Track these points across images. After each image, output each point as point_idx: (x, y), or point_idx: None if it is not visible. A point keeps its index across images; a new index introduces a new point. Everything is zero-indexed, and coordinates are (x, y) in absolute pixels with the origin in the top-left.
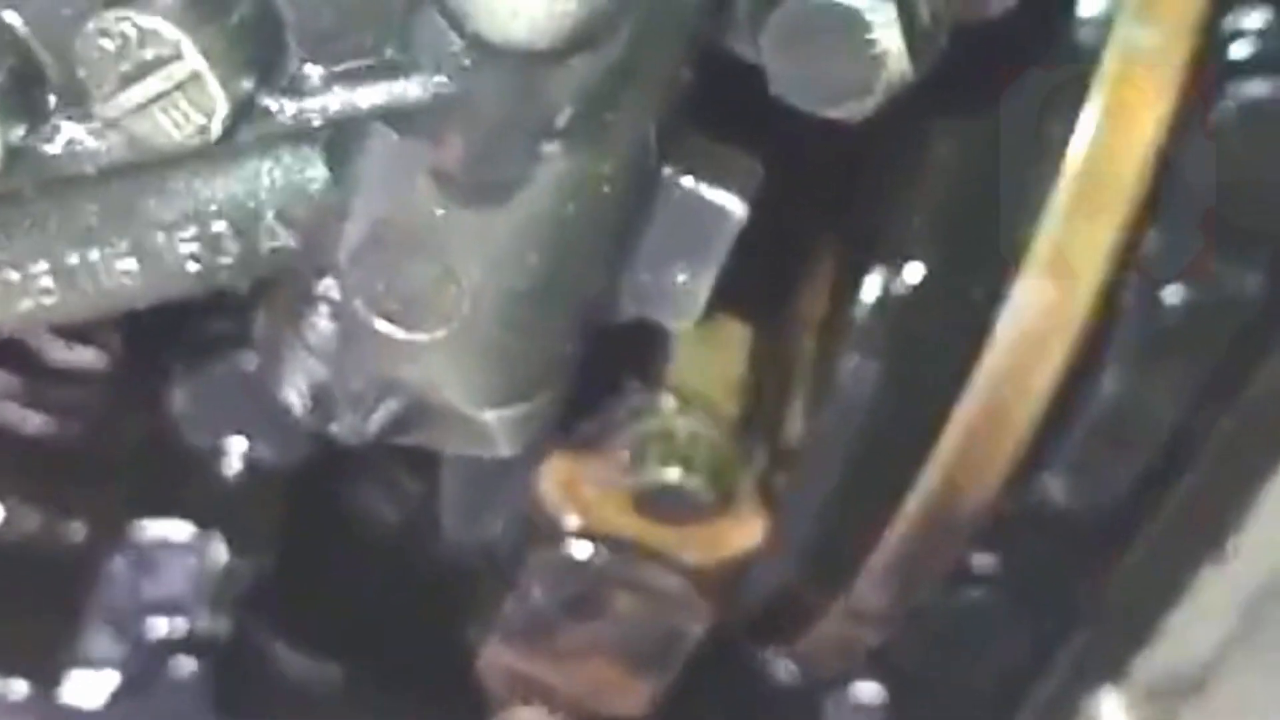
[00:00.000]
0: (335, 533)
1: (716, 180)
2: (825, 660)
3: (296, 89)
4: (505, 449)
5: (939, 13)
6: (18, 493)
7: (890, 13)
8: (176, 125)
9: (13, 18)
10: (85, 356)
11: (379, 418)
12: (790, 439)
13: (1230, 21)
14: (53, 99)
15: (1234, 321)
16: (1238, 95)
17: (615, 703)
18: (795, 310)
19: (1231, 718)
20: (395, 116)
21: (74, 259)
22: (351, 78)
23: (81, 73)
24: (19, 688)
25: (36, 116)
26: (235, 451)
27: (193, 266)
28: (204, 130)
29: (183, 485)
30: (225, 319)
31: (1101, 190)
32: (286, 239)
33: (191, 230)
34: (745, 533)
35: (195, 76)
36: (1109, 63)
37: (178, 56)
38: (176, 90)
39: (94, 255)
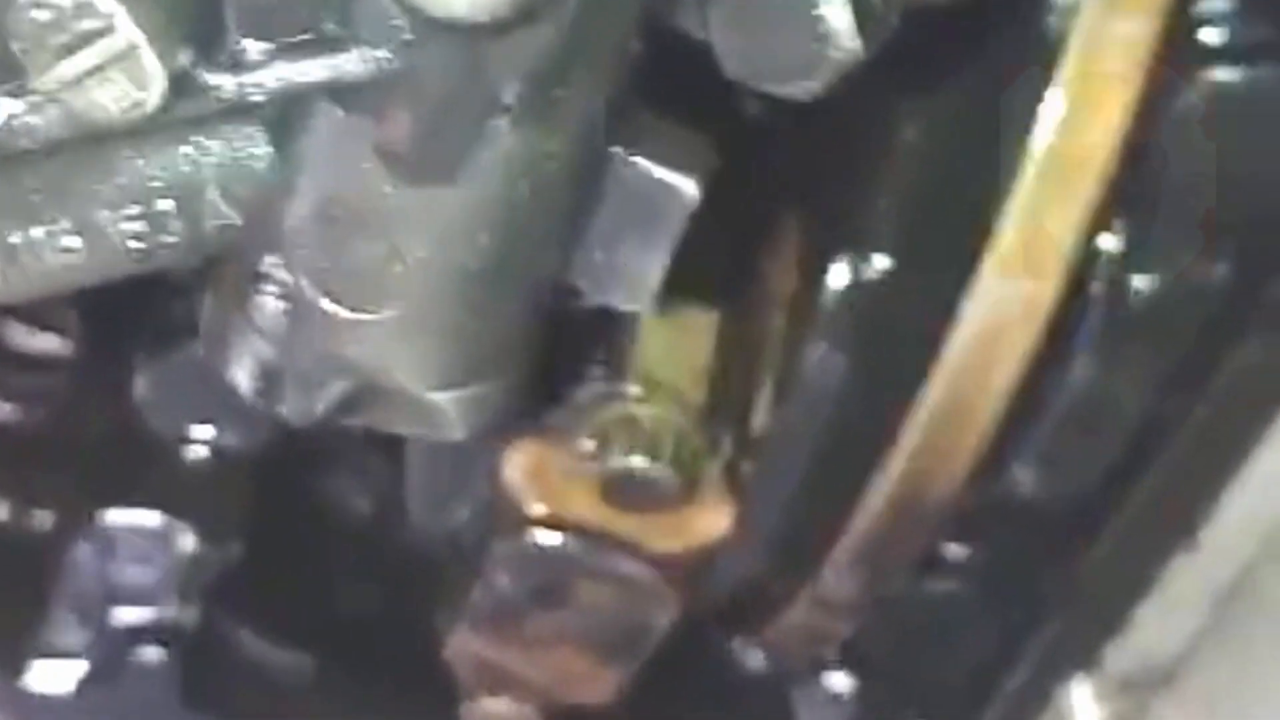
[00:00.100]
0: (303, 521)
1: (668, 160)
2: (794, 649)
3: (236, 64)
4: (458, 432)
5: None
6: None
7: None
8: (113, 99)
9: None
10: (50, 343)
11: (327, 398)
12: (758, 426)
13: (1198, 7)
14: None
15: (1202, 311)
16: (1205, 82)
17: (583, 691)
18: (763, 295)
19: (1202, 708)
20: (339, 92)
21: (16, 238)
22: (292, 52)
23: (16, 46)
24: None
25: None
26: (201, 439)
27: (136, 245)
28: (140, 104)
29: (149, 473)
30: (190, 305)
31: (1068, 178)
32: (231, 217)
33: (135, 208)
34: (712, 521)
35: (131, 49)
36: (1076, 49)
37: (113, 29)
38: (112, 64)
39: (37, 233)
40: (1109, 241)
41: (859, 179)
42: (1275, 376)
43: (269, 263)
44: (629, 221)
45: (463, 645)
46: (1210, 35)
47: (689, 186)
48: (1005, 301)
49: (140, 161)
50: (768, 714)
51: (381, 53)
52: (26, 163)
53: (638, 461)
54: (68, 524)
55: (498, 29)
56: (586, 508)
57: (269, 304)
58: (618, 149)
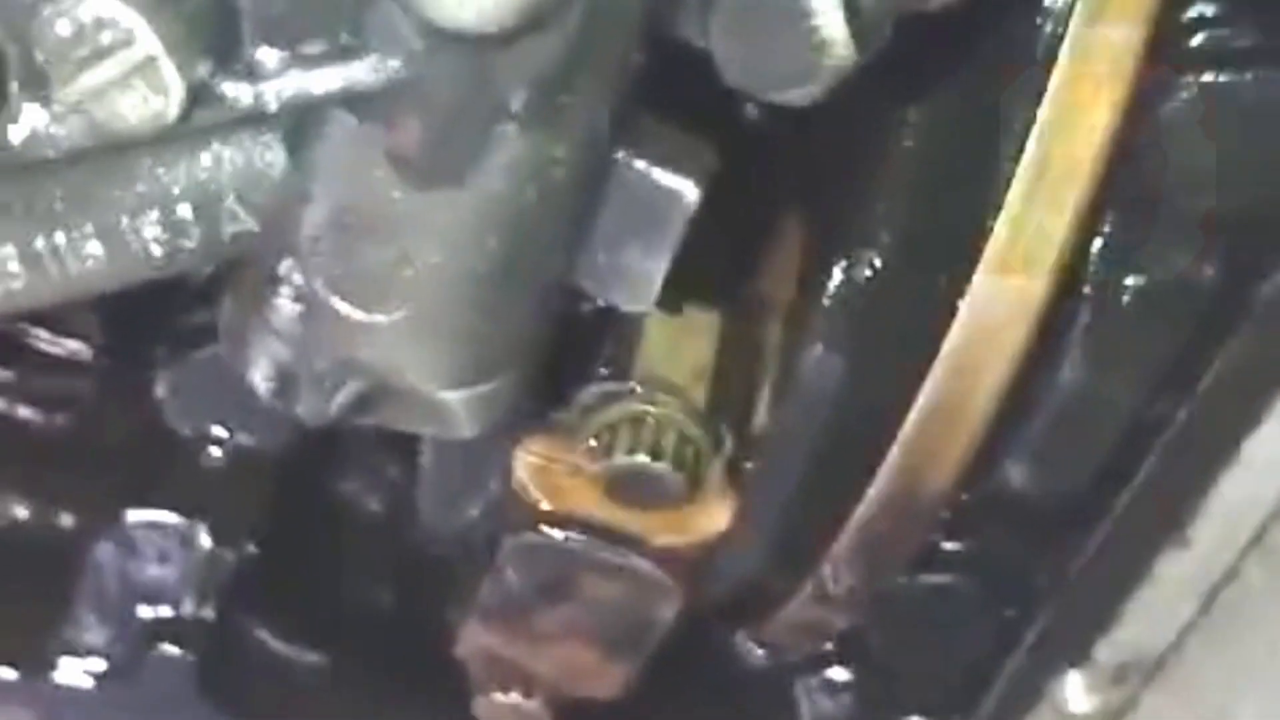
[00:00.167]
0: (318, 520)
1: (669, 163)
2: (794, 643)
3: (252, 74)
4: (467, 430)
5: (883, 1)
6: (6, 482)
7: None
8: (134, 109)
9: None
10: (72, 347)
11: (341, 398)
12: (758, 425)
13: (1186, 11)
14: (14, 85)
15: (1192, 309)
16: (1193, 85)
17: (590, 684)
18: (763, 297)
19: (1191, 699)
20: (352, 101)
21: (40, 244)
22: (306, 62)
23: (40, 57)
24: (7, 673)
25: None
26: (220, 439)
27: (157, 250)
28: (160, 114)
29: (169, 474)
30: (210, 308)
31: (1059, 179)
32: (248, 222)
33: (155, 214)
34: (714, 517)
35: (151, 61)
36: (1066, 53)
37: (134, 41)
38: (133, 74)
39: (60, 240)
40: (1099, 242)
41: (855, 182)
42: (1262, 374)
43: (285, 267)
44: (632, 224)
45: (473, 640)
46: (1198, 39)
47: (690, 189)
48: (998, 300)
49: (160, 169)
50: (769, 706)
51: (393, 62)
52: (50, 171)
53: (641, 459)
54: (90, 524)
55: (505, 39)
56: (592, 504)
57: (285, 307)
58: (620, 153)
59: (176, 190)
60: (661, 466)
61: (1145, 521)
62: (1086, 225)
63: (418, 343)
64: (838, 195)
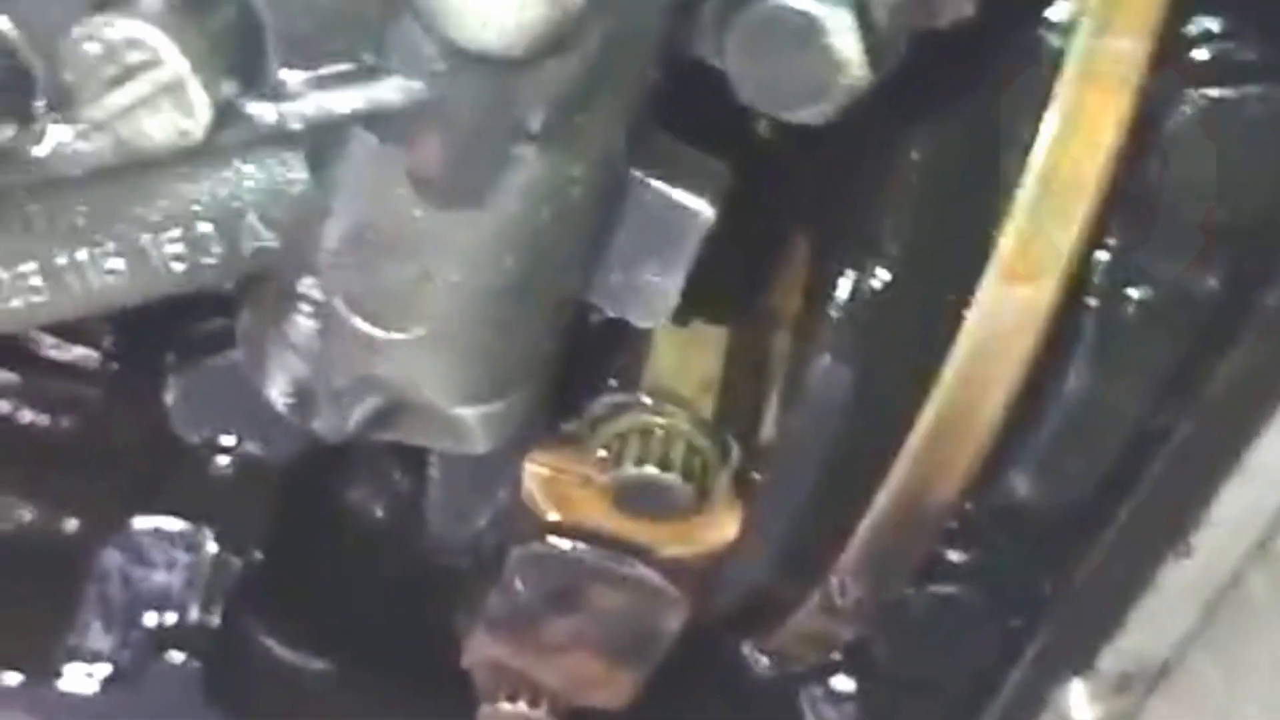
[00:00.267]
0: (324, 527)
1: (685, 182)
2: (800, 653)
3: (276, 93)
4: (482, 445)
5: (896, 20)
6: (12, 486)
7: (847, 19)
8: (161, 129)
9: (2, 22)
10: (80, 353)
11: (358, 414)
12: (766, 436)
13: (1190, 26)
14: (41, 102)
15: (1195, 320)
16: (1197, 99)
17: (597, 694)
18: (770, 309)
19: (1194, 707)
20: (373, 120)
21: (62, 259)
22: (330, 82)
23: (68, 76)
24: (12, 679)
25: (25, 119)
26: (228, 447)
27: (178, 266)
28: (187, 134)
29: (175, 480)
30: (218, 316)
31: (1064, 191)
32: (268, 239)
33: (176, 231)
34: (721, 528)
35: (179, 81)
36: (1072, 66)
37: (162, 61)
38: (160, 94)
39: (82, 255)
40: (1104, 253)
41: (862, 195)
42: (1264, 384)
43: (304, 283)
44: (647, 241)
45: (480, 649)
46: (1202, 53)
47: (706, 208)
48: (1005, 311)
49: (182, 186)
50: (774, 715)
51: (415, 83)
52: (72, 187)
53: (650, 470)
54: (96, 530)
55: (526, 60)
56: (600, 515)
57: (303, 323)
58: (637, 171)
59: (198, 207)
60: (670, 477)
61: (1148, 530)
62: (1092, 236)
63: (435, 359)
64: (845, 206)
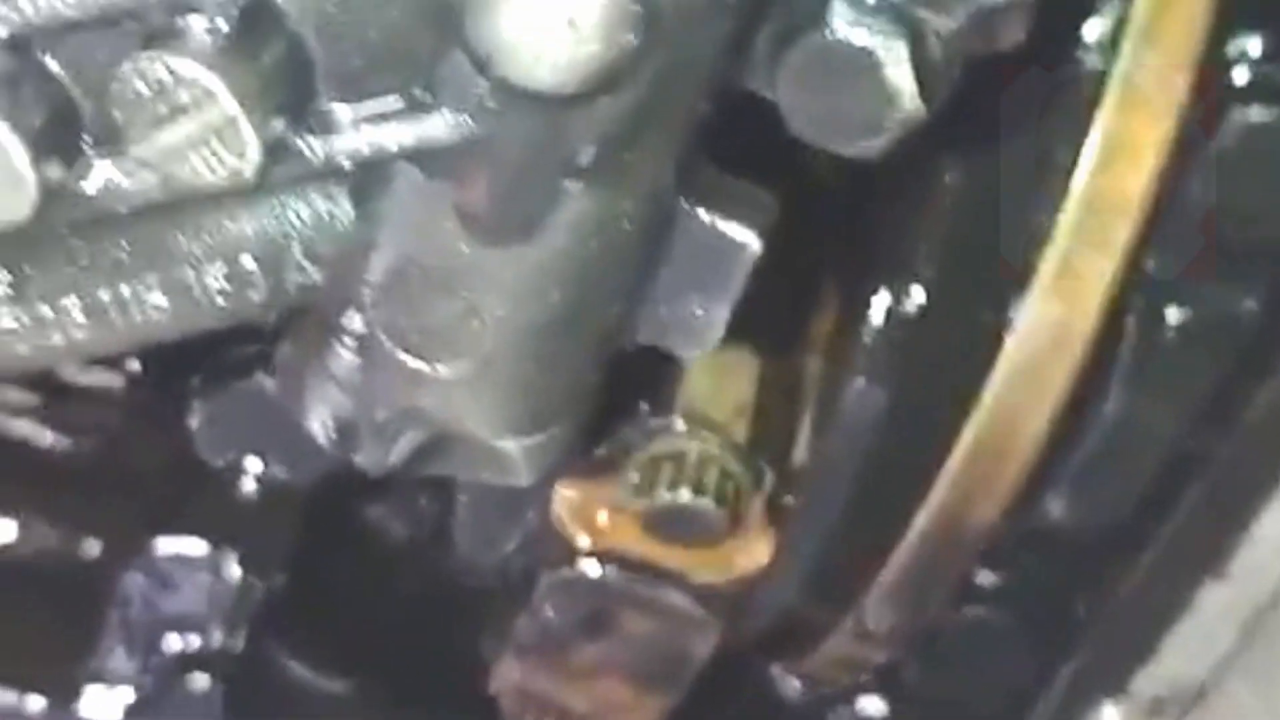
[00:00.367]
0: (348, 550)
1: (732, 214)
2: (831, 676)
3: (325, 129)
4: (525, 477)
5: (949, 50)
6: (36, 509)
7: (903, 52)
8: (210, 167)
9: (50, 60)
10: (103, 375)
11: (401, 448)
12: (799, 460)
13: (1231, 48)
14: (88, 139)
15: (1234, 343)
16: (1237, 121)
17: (625, 719)
18: (802, 334)
19: None
20: (421, 156)
21: (105, 294)
22: (379, 118)
23: (117, 114)
24: (35, 702)
25: (72, 156)
26: (251, 470)
27: (221, 300)
28: (237, 173)
29: (198, 503)
30: (243, 340)
31: (1106, 214)
32: (313, 275)
33: (220, 266)
34: (754, 553)
35: (229, 120)
36: (1112, 88)
37: (213, 100)
38: (210, 133)
39: (125, 290)
40: (1143, 275)
41: (899, 219)
42: None
43: (348, 317)
44: (694, 274)
45: (507, 674)
46: (1242, 75)
47: (753, 240)
48: (1045, 333)
49: (227, 221)
50: None
51: (465, 119)
52: (116, 223)
53: (684, 496)
54: (119, 553)
55: (578, 98)
56: (632, 540)
57: (346, 356)
58: (684, 204)
59: (243, 242)
60: (704, 503)
61: (1186, 553)
62: (1131, 259)
63: (480, 393)
64: (879, 228)
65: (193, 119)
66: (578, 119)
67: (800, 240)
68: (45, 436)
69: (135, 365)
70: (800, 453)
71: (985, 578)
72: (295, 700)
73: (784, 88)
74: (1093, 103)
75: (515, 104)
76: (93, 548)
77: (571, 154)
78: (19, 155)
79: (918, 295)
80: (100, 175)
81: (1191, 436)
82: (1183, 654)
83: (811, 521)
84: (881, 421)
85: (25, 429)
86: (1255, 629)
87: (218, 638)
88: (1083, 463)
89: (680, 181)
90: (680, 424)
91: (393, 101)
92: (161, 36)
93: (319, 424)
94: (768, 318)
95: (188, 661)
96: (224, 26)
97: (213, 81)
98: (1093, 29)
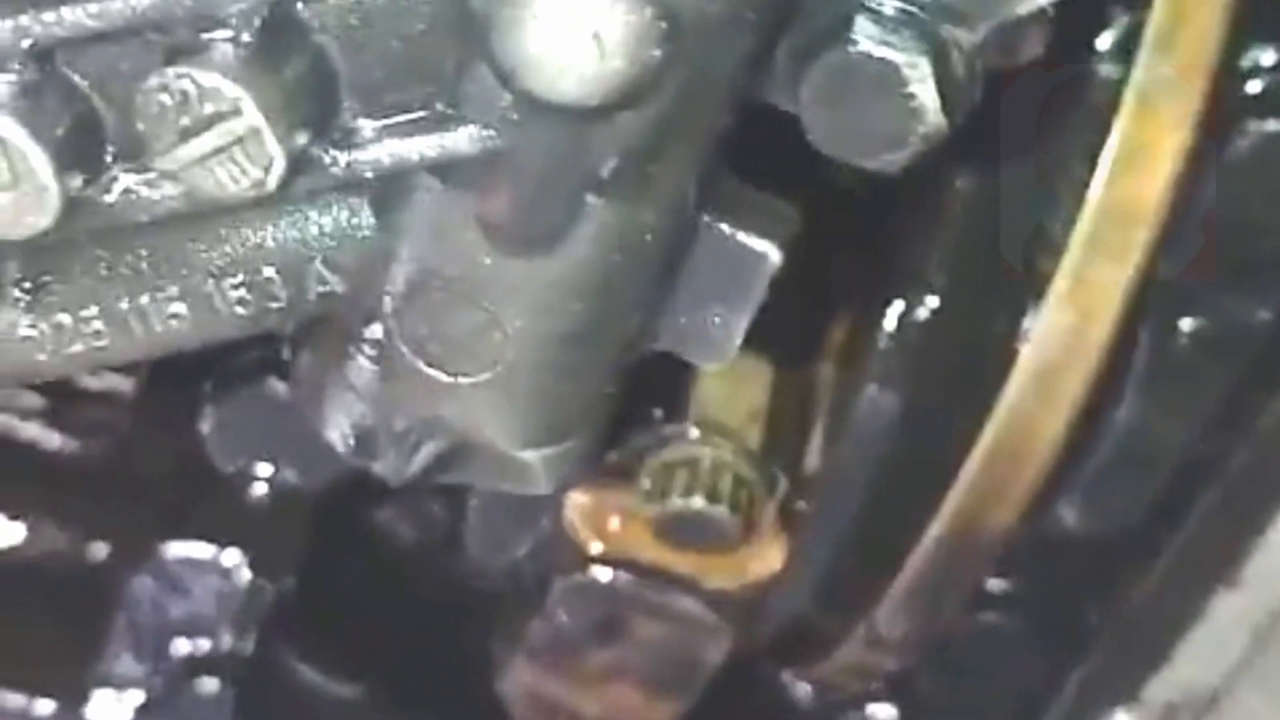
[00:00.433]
0: (357, 553)
1: (753, 226)
2: (843, 682)
3: (349, 141)
4: (545, 486)
5: (972, 65)
6: (45, 512)
7: (926, 67)
8: (233, 179)
9: (74, 72)
10: (112, 379)
11: (421, 458)
12: (812, 467)
13: (1245, 59)
14: (111, 150)
15: (1247, 353)
16: (1252, 132)
17: None
18: (815, 342)
19: None
20: (444, 168)
21: (125, 304)
22: (402, 130)
23: (140, 126)
24: (44, 706)
25: (95, 167)
26: (261, 475)
27: (241, 310)
28: (260, 184)
29: (207, 507)
30: (254, 345)
31: (1121, 223)
32: (334, 285)
33: (241, 276)
34: (767, 560)
35: (254, 132)
36: (1127, 98)
37: (237, 113)
38: (234, 145)
39: (144, 300)
40: (1157, 284)
41: (914, 228)
42: None
43: (368, 326)
44: (714, 284)
45: (518, 678)
46: (1255, 86)
47: (773, 252)
48: (1059, 342)
49: (248, 231)
50: None
51: (488, 132)
52: (136, 232)
53: (698, 502)
54: (127, 556)
55: (602, 112)
56: (645, 546)
57: (366, 365)
58: (705, 215)
59: (263, 252)
60: (718, 509)
61: (1198, 561)
62: (1146, 268)
63: (500, 403)
64: (895, 236)
65: (216, 131)
66: (601, 132)
67: (815, 248)
68: (54, 439)
69: (146, 369)
70: (813, 459)
71: (998, 584)
72: (305, 704)
73: (806, 103)
74: (1108, 112)
75: (539, 117)
76: (101, 551)
77: (594, 167)
78: (42, 165)
79: (931, 302)
80: (123, 186)
81: (1204, 444)
82: (1195, 661)
83: (824, 528)
84: (894, 429)
85: (34, 432)
86: (1267, 636)
87: (227, 641)
88: (1096, 470)
89: (701, 194)
90: (694, 430)
91: (416, 114)
92: (186, 49)
93: (338, 433)
94: (782, 325)
95: (197, 665)
96: (248, 39)
97: (236, 94)
98: (1108, 38)
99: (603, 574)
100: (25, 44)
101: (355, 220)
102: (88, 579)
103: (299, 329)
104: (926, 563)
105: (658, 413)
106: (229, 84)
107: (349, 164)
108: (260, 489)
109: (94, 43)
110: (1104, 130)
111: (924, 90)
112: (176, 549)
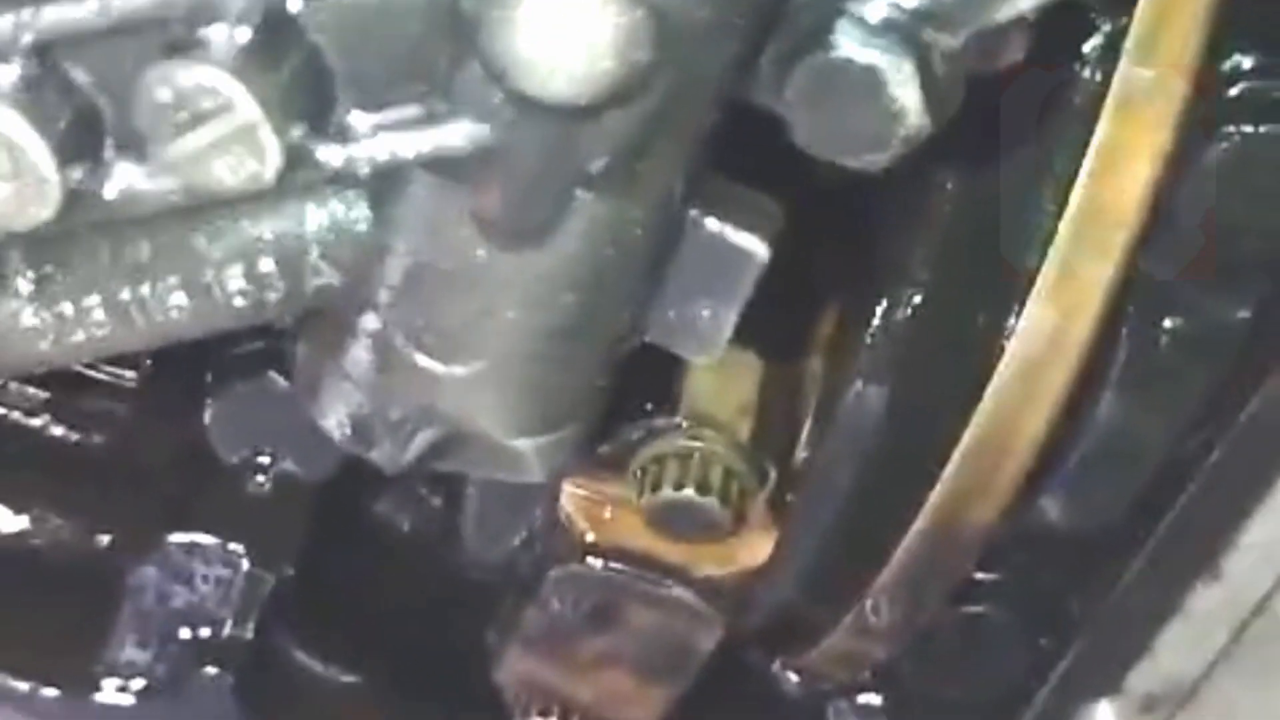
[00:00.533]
0: (357, 542)
1: (740, 223)
2: (831, 671)
3: (344, 137)
4: (537, 475)
5: (954, 67)
6: (48, 502)
7: (908, 69)
8: (231, 172)
9: (73, 66)
10: (114, 369)
11: (416, 446)
12: (800, 459)
13: (1226, 62)
14: (111, 144)
15: (1228, 350)
16: (1231, 134)
17: (629, 711)
18: (804, 335)
19: None
20: (438, 163)
21: (126, 293)
22: (397, 126)
23: (139, 120)
24: (49, 693)
25: (94, 160)
26: (263, 465)
27: (240, 301)
28: (257, 177)
29: (210, 496)
30: (256, 337)
31: (1103, 223)
32: (331, 276)
33: (240, 267)
34: (756, 549)
35: (250, 126)
36: (1110, 101)
37: (234, 107)
38: (232, 139)
39: (145, 290)
40: (1139, 284)
41: (900, 224)
42: None
43: (364, 317)
44: (702, 280)
45: (514, 665)
46: (1236, 90)
47: (760, 249)
48: (1042, 339)
49: (247, 224)
50: None
51: (481, 128)
52: (137, 224)
53: (689, 493)
54: (131, 546)
55: (592, 110)
56: (636, 536)
57: (362, 355)
58: (693, 212)
59: (261, 244)
60: (708, 500)
61: (1179, 555)
62: (1128, 267)
63: (494, 393)
64: (881, 233)
65: (214, 126)
66: (591, 130)
67: (804, 243)
68: (59, 429)
69: (148, 360)
70: (803, 452)
71: (981, 576)
72: (304, 691)
73: (791, 104)
74: (1091, 113)
75: (530, 115)
76: (105, 541)
77: (584, 163)
78: (44, 158)
79: (916, 298)
80: (122, 179)
81: (1185, 441)
82: (1176, 653)
83: (812, 520)
84: (880, 423)
85: (38, 422)
86: (1246, 629)
87: (229, 629)
88: (1079, 465)
89: (689, 190)
90: (685, 423)
91: (410, 110)
92: (184, 45)
93: (334, 422)
94: (772, 319)
95: (200, 652)
96: (245, 36)
97: (234, 89)
98: (1090, 41)
99: (596, 563)
100: (26, 38)
101: (351, 214)
102: (92, 568)
103: (298, 320)
104: (911, 555)
105: (650, 406)
106: (226, 79)
107: (345, 159)
108: (261, 479)
109: (94, 37)
110: (1087, 131)
111: (906, 93)
112: (179, 538)
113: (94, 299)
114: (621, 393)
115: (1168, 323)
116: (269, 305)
